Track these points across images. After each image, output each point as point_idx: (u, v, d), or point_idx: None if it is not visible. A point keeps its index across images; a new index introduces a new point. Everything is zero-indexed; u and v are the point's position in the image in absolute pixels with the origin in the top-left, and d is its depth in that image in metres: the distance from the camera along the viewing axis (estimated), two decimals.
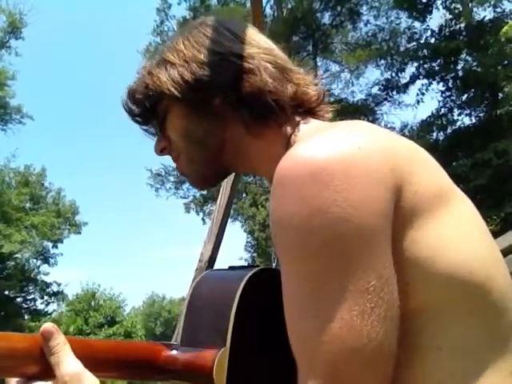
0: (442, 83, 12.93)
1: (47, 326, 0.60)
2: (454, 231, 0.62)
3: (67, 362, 0.59)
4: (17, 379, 0.60)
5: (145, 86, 0.79)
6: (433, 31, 13.14)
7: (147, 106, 0.81)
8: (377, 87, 16.21)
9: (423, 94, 12.61)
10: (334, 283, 0.55)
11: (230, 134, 0.79)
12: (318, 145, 0.60)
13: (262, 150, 0.78)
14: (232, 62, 0.76)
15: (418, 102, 12.82)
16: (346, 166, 0.57)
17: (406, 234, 0.60)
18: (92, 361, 0.61)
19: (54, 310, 24.64)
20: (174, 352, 0.71)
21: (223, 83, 0.75)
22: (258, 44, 0.80)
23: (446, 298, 0.60)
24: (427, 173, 0.64)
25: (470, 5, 11.40)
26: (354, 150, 0.59)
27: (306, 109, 0.79)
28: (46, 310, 23.59)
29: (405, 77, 14.37)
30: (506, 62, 10.97)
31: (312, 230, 0.55)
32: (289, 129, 0.76)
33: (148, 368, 0.67)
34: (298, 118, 0.77)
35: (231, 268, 0.80)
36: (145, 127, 0.86)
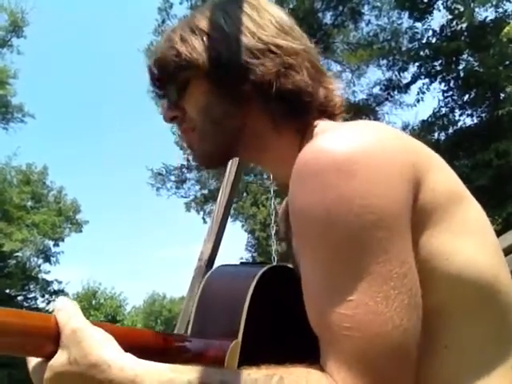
0: (443, 83, 12.90)
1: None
2: (465, 231, 0.63)
3: (70, 318, 0.58)
4: (38, 359, 0.60)
5: (175, 53, 0.75)
6: (434, 31, 13.10)
7: (170, 72, 0.77)
8: (378, 87, 16.19)
9: (423, 93, 12.59)
10: (357, 271, 0.55)
11: (251, 123, 0.77)
12: (339, 136, 0.60)
13: (279, 146, 0.77)
14: (277, 54, 0.73)
15: (418, 100, 12.81)
16: (369, 158, 0.57)
17: (423, 231, 0.60)
18: None
19: None
20: (185, 343, 0.71)
21: (264, 73, 0.73)
22: (301, 39, 0.78)
23: (456, 298, 0.60)
24: (442, 172, 0.65)
25: (472, 5, 11.37)
26: (377, 143, 0.59)
27: (329, 115, 0.79)
28: (46, 308, 23.56)
29: (406, 77, 14.36)
30: (507, 62, 10.94)
31: (336, 219, 0.55)
32: (307, 129, 0.76)
33: (158, 357, 0.67)
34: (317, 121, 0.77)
35: (243, 264, 0.81)
36: (159, 91, 0.82)
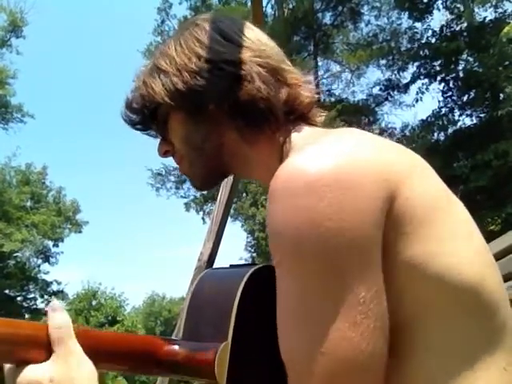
0: (442, 83, 12.93)
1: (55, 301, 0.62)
2: (447, 236, 0.63)
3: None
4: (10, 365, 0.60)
5: (141, 97, 0.81)
6: (434, 31, 13.14)
7: (146, 114, 0.82)
8: (378, 87, 16.22)
9: (423, 93, 12.62)
10: (325, 296, 0.56)
11: (226, 140, 0.79)
12: (311, 156, 0.60)
13: (258, 157, 0.79)
14: (224, 69, 0.75)
15: (418, 100, 12.86)
16: (340, 177, 0.57)
17: (399, 239, 0.60)
18: (94, 351, 0.60)
19: None
20: (175, 346, 0.71)
21: (216, 92, 0.75)
22: (251, 45, 0.78)
23: (436, 301, 0.60)
24: (421, 179, 0.65)
25: (471, 5, 11.39)
26: (349, 162, 0.59)
27: (298, 115, 0.79)
28: (46, 309, 23.54)
29: (406, 77, 14.40)
30: (506, 62, 10.96)
31: (305, 243, 0.56)
32: (281, 137, 0.76)
33: (148, 361, 0.67)
34: (290, 126, 0.77)
35: (232, 266, 0.81)
36: (146, 133, 0.87)
